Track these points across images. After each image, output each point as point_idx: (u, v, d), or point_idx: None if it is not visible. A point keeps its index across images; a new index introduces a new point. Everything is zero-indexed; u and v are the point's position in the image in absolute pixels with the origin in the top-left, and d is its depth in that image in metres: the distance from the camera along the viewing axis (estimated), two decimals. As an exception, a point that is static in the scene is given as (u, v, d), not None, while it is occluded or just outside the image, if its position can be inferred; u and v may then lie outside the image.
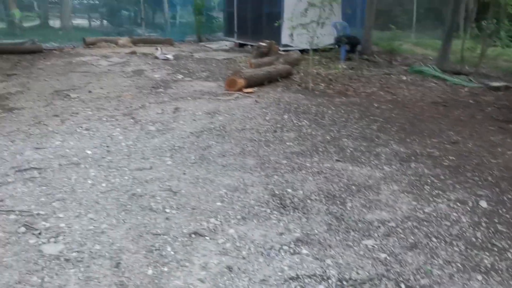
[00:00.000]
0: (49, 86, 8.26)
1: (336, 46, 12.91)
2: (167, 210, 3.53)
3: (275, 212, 3.55)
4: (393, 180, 4.23)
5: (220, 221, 3.38)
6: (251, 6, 14.87)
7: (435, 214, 3.58)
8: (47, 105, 6.84)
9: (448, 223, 3.45)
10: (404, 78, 9.88)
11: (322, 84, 8.93)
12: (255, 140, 5.35)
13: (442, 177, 4.34)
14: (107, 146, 5.04)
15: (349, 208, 3.64)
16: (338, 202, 3.75)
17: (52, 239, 3.11)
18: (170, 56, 12.15)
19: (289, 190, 3.95)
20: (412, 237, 3.23)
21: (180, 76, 9.59)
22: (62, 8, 17.73)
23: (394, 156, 4.93)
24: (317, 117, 6.42)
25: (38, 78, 9.01)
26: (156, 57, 12.06)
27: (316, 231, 3.28)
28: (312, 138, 5.49)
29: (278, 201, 3.72)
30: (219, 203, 3.67)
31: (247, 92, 7.94)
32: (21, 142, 5.13)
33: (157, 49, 12.67)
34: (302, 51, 12.09)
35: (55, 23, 18.99)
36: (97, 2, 19.09)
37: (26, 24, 17.98)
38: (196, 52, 14.09)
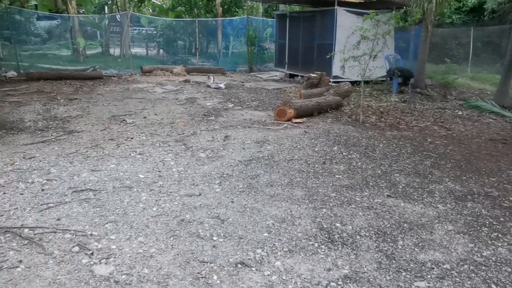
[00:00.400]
0: (107, 110, 8.65)
1: (388, 79, 12.74)
2: (215, 238, 3.54)
3: (323, 246, 3.47)
4: (448, 220, 4.04)
5: (267, 252, 3.34)
6: (303, 38, 15.04)
7: (494, 259, 3.37)
8: (104, 129, 7.14)
9: (509, 269, 3.23)
10: (460, 113, 9.56)
11: (373, 117, 8.79)
12: (303, 171, 5.31)
13: (501, 219, 4.10)
14: (159, 171, 5.16)
15: (400, 247, 3.50)
16: (389, 239, 3.62)
17: (104, 260, 3.19)
18: (221, 85, 12.48)
19: (338, 225, 3.85)
20: (468, 281, 3.04)
21: (231, 105, 9.78)
22: (122, 38, 18.69)
23: (449, 194, 4.72)
24: (367, 150, 6.30)
25: (97, 103, 9.46)
26: (208, 86, 12.45)
27: (365, 268, 3.16)
28: (362, 171, 5.37)
29: (326, 235, 3.64)
30: (266, 234, 3.64)
31: (297, 122, 7.94)
32: (79, 164, 5.36)
33: (209, 78, 13.07)
34: (353, 83, 12.02)
35: (115, 51, 20.08)
36: (154, 32, 19.97)
37: (89, 52, 19.09)
38: (247, 81, 14.36)
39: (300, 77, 14.93)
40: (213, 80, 12.82)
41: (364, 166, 5.56)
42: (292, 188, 4.75)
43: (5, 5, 15.40)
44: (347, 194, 4.61)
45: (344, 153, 6.07)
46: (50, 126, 7.27)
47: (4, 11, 14.81)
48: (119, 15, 19.93)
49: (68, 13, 18.41)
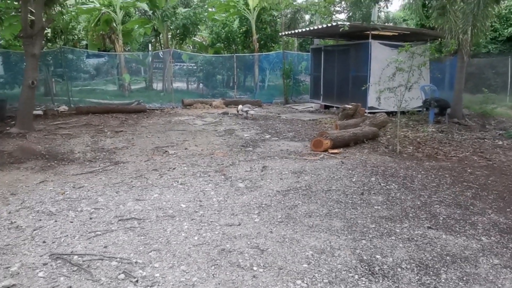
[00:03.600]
0: (150, 142, 8.89)
1: (425, 109, 12.52)
2: (255, 268, 3.51)
3: (363, 278, 3.38)
4: (493, 253, 3.85)
5: (307, 284, 3.28)
6: (338, 70, 15.10)
7: (544, 295, 3.17)
8: (148, 160, 7.32)
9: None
10: (500, 142, 9.22)
11: (410, 147, 8.62)
12: (341, 201, 5.23)
13: (550, 253, 3.86)
14: (200, 201, 5.21)
15: (443, 280, 3.35)
16: (431, 272, 3.48)
17: (148, 288, 3.23)
18: (252, 112, 12.81)
19: (378, 257, 3.75)
20: (518, 319, 2.87)
21: (267, 136, 9.85)
22: (164, 73, 19.34)
23: (492, 226, 4.52)
24: (406, 181, 6.15)
25: (141, 135, 9.74)
26: (237, 112, 13.05)
27: (408, 302, 3.05)
28: (401, 202, 5.23)
29: (367, 267, 3.54)
30: (305, 265, 3.58)
31: (333, 153, 7.89)
32: (124, 193, 5.49)
33: (236, 106, 13.57)
34: (389, 113, 11.88)
35: (157, 86, 20.74)
36: (195, 67, 20.56)
37: (134, 87, 19.81)
38: (283, 113, 14.46)
39: (335, 108, 14.90)
40: (241, 107, 13.22)
41: (403, 197, 5.42)
42: (330, 218, 4.68)
43: (60, 45, 16.31)
44: (387, 226, 4.49)
45: (382, 184, 5.95)
46: (97, 157, 7.52)
47: (58, 51, 15.68)
48: (161, 52, 20.70)
49: (115, 51, 19.29)
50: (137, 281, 3.32)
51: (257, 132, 10.31)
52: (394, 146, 8.38)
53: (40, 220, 4.56)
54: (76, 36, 19.68)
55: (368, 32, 13.37)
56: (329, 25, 13.65)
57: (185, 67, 22.35)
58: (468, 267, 3.58)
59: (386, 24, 23.00)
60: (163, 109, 14.90)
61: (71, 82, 16.05)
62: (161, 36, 21.97)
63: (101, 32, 19.58)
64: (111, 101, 15.77)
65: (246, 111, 12.89)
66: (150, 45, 24.64)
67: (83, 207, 4.98)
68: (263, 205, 5.07)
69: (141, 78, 21.48)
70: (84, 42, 22.58)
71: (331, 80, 15.58)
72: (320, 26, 14.58)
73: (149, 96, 17.68)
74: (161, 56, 20.99)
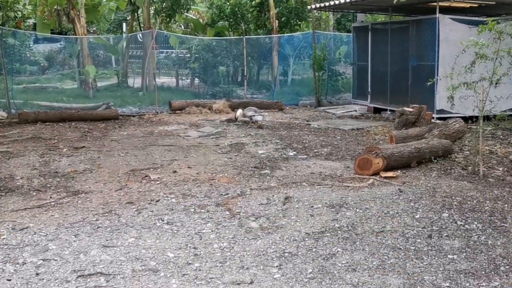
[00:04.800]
0: (124, 163, 8.93)
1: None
2: None
3: None
4: None
5: None
6: (392, 58, 15.11)
7: None
8: (120, 189, 7.34)
9: None
10: None
11: (500, 168, 8.51)
12: (400, 248, 5.18)
13: None
14: (195, 248, 5.19)
15: None
16: None
17: None
18: (258, 117, 12.96)
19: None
20: None
21: (292, 153, 9.86)
22: (145, 64, 19.51)
23: None
24: (494, 217, 6.07)
25: (111, 152, 9.80)
26: (236, 119, 13.40)
27: None
28: (488, 249, 5.15)
29: None
30: None
31: (387, 177, 7.84)
32: (87, 237, 5.50)
33: (236, 110, 13.96)
34: (467, 119, 11.78)
35: (135, 82, 21.02)
36: (187, 56, 20.74)
37: (101, 84, 20.05)
38: (313, 119, 14.48)
39: (389, 113, 14.87)
40: (244, 113, 13.46)
41: (490, 242, 5.34)
42: (384, 273, 4.63)
43: (-4, 26, 16.20)
44: (467, 284, 4.43)
45: (458, 222, 5.88)
46: (49, 185, 7.57)
47: (-6, 34, 15.46)
48: (141, 35, 20.96)
49: (75, 34, 19.38)
50: None
51: (276, 147, 10.36)
52: (476, 166, 8.28)
53: (-35, 276, 4.57)
54: (19, 13, 19.83)
55: (435, 4, 13.35)
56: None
57: (174, 55, 22.59)
58: None
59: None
60: (143, 115, 15.06)
61: (12, 78, 16.17)
62: (140, 12, 22.21)
63: (55, 7, 19.66)
64: (69, 104, 15.95)
65: (251, 117, 13.07)
66: (124, 24, 24.95)
67: (27, 258, 4.98)
68: (286, 254, 5.04)
69: (111, 71, 21.68)
70: (32, 21, 22.81)
71: (382, 73, 15.59)
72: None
73: (122, 97, 17.88)
74: (140, 40, 21.25)
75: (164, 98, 16.94)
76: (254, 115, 13.16)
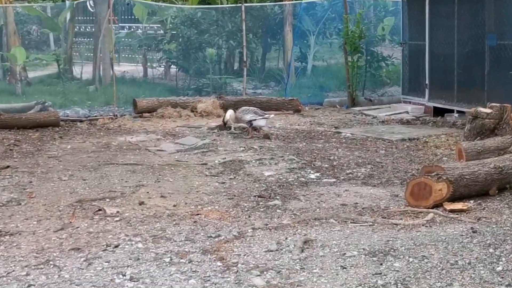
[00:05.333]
0: (68, 190, 8.91)
1: None
2: None
3: None
4: None
5: None
6: (460, 35, 15.03)
7: None
8: (62, 228, 7.27)
9: None
10: None
11: None
12: (474, 316, 5.13)
13: None
14: (171, 316, 5.16)
15: None
16: None
17: None
18: (261, 122, 13.07)
19: None
20: None
21: (313, 175, 9.89)
22: (97, 45, 19.43)
23: None
24: None
25: (49, 175, 9.78)
26: (225, 124, 13.53)
27: None
28: None
29: None
30: None
31: (454, 211, 7.80)
32: (12, 300, 5.46)
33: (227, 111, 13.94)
34: None
35: (83, 71, 21.02)
36: (160, 32, 20.72)
37: (34, 75, 20.00)
38: (345, 125, 14.53)
39: (456, 115, 14.84)
40: (240, 116, 13.38)
41: None
42: None
43: None
44: None
45: None
46: (-44, 223, 7.54)
47: None
48: (91, 2, 20.95)
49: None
50: None
51: (291, 166, 10.43)
52: None
53: None
54: None
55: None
56: None
57: (140, 31, 22.54)
58: None
59: None
60: (95, 120, 15.08)
61: None
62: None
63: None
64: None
65: (250, 121, 13.06)
66: (68, -13, 24.92)
67: None
68: (306, 325, 5.00)
69: (49, 56, 21.38)
70: None
71: (446, 57, 15.57)
72: None
73: (65, 93, 17.82)
74: (91, 10, 21.30)
75: (126, 94, 16.93)
76: (254, 119, 13.09)
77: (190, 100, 16.27)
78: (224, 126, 13.62)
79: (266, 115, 13.63)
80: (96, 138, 12.78)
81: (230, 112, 13.70)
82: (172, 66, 20.51)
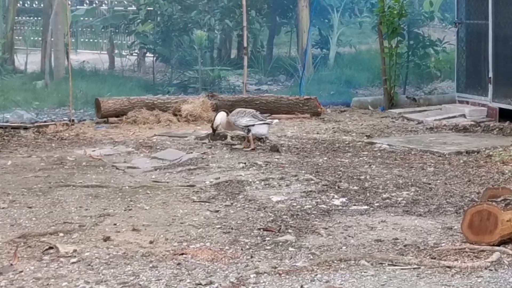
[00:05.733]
0: (8, 221, 8.85)
1: None
2: None
3: None
4: None
5: None
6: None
7: None
8: (0, 273, 7.26)
9: None
10: None
11: None
12: None
13: None
14: None
15: None
16: None
17: None
18: (261, 130, 13.14)
19: None
20: None
21: (338, 200, 9.83)
22: (47, 26, 19.40)
23: None
24: None
25: (-19, 200, 9.76)
26: (213, 130, 13.51)
27: None
28: None
29: None
30: None
31: (528, 249, 7.74)
32: None
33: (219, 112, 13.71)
34: None
35: (28, 61, 20.99)
36: (132, 9, 20.74)
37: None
38: (380, 132, 14.60)
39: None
40: (233, 120, 13.30)
41: None
42: None
43: None
44: None
45: None
46: None
47: None
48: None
49: None
50: None
51: (308, 189, 10.43)
52: None
53: None
54: None
55: None
56: None
57: (104, 8, 22.61)
58: None
59: None
60: (44, 127, 15.04)
61: None
62: None
63: None
64: None
65: (247, 128, 13.03)
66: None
67: None
68: None
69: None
70: None
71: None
72: None
73: (4, 90, 17.79)
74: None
75: (86, 93, 16.96)
76: (251, 124, 12.98)
77: (172, 100, 16.26)
78: (214, 133, 13.66)
79: (269, 120, 13.68)
80: (46, 151, 12.74)
81: (221, 115, 13.60)
82: (148, 54, 20.57)
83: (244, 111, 13.52)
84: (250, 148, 12.89)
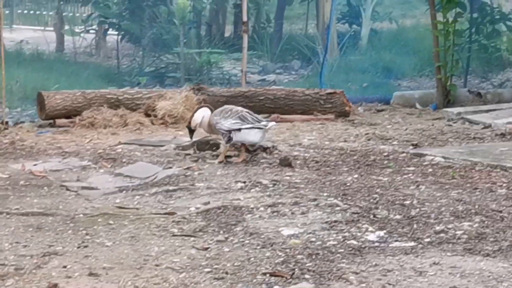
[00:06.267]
0: None
1: None
2: None
3: None
4: None
5: None
6: None
7: None
8: None
9: None
10: None
11: None
12: None
13: None
14: None
15: None
16: None
17: None
18: (252, 137, 13.14)
19: None
20: None
21: (373, 234, 9.76)
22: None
23: None
24: None
25: None
26: (191, 132, 13.60)
27: None
28: None
29: None
30: None
31: None
32: None
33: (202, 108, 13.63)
34: None
35: None
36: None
37: None
38: (431, 140, 14.63)
39: None
40: (208, 118, 13.43)
41: None
42: None
43: None
44: None
45: None
46: None
47: None
48: None
49: None
50: None
51: (332, 218, 10.36)
52: None
53: None
54: None
55: None
56: None
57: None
58: None
59: None
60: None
61: None
62: None
63: None
64: None
65: (228, 133, 13.03)
66: None
67: None
68: None
69: None
70: None
71: None
72: None
73: None
74: None
75: (25, 84, 17.02)
76: (236, 128, 13.04)
77: (144, 95, 16.31)
78: (192, 135, 13.77)
79: (262, 124, 13.59)
80: (-31, 166, 12.76)
81: (203, 112, 13.73)
82: (110, 30, 20.64)
83: (230, 110, 13.58)
84: (239, 160, 12.95)
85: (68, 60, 20.33)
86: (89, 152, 13.45)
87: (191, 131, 13.65)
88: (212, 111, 13.72)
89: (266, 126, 13.54)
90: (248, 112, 13.58)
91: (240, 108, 13.77)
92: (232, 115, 13.20)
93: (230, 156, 13.48)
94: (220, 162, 12.98)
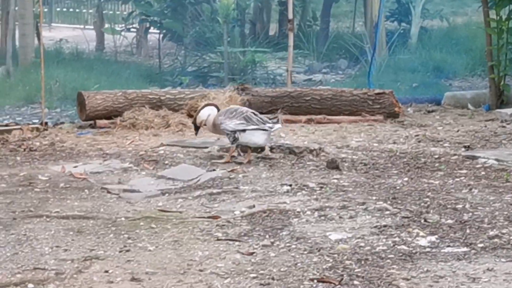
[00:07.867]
0: None
1: None
2: None
3: None
4: None
5: None
6: None
7: None
8: None
9: None
10: None
11: None
12: None
13: None
14: None
15: None
16: None
17: None
18: (257, 139, 13.15)
19: None
20: None
21: (424, 239, 9.69)
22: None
23: None
24: None
25: None
26: (196, 128, 13.62)
27: None
28: None
29: None
30: None
31: None
32: None
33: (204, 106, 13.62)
34: None
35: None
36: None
37: None
38: (485, 142, 14.59)
39: None
40: (221, 121, 13.31)
41: None
42: None
43: None
44: None
45: None
46: None
47: None
48: None
49: None
50: None
51: (381, 222, 10.31)
52: None
53: None
54: None
55: None
56: None
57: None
58: None
59: None
60: (6, 133, 15.05)
61: None
62: None
63: None
64: None
65: (234, 133, 13.06)
66: None
67: None
68: None
69: None
70: None
71: None
72: None
73: None
74: None
75: (64, 84, 17.04)
76: (241, 130, 13.11)
77: (187, 95, 16.30)
78: (196, 132, 13.90)
79: (268, 125, 13.56)
80: (8, 168, 12.82)
81: (209, 110, 13.77)
82: (152, 29, 20.67)
83: (235, 110, 13.61)
84: (245, 161, 13.03)
85: (108, 59, 20.38)
86: (131, 154, 13.49)
87: (196, 128, 13.80)
88: (218, 110, 13.82)
89: (271, 128, 13.57)
90: (253, 113, 13.64)
91: (245, 109, 13.85)
92: (237, 115, 13.26)
93: (235, 156, 13.58)
94: (226, 163, 13.13)
